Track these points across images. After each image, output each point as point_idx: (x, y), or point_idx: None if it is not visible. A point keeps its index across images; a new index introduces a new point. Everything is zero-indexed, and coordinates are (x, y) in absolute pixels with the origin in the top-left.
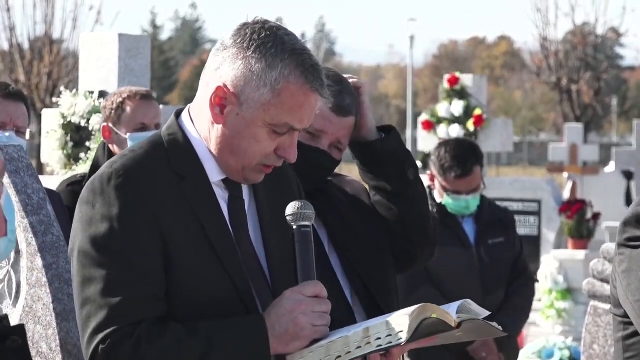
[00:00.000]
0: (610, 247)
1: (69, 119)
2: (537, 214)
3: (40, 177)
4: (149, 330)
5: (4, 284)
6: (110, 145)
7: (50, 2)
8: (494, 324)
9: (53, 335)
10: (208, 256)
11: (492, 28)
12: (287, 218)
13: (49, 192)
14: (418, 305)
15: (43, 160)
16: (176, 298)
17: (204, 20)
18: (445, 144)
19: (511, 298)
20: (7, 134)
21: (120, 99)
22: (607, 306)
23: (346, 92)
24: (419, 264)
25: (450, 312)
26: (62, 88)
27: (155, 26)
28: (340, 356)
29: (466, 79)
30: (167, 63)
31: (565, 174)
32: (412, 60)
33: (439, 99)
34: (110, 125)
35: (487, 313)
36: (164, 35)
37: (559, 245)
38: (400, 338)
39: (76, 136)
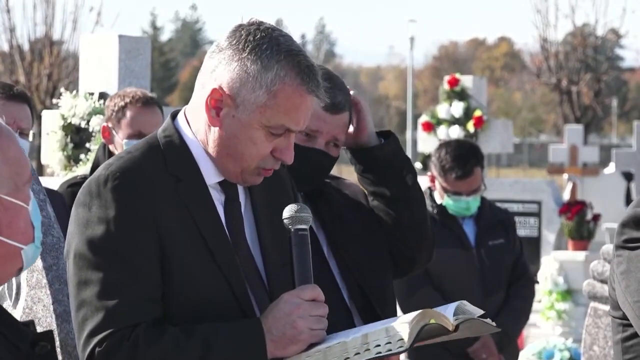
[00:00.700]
0: (610, 248)
1: (69, 120)
2: (537, 215)
3: (40, 179)
4: (146, 333)
5: (4, 285)
6: (110, 146)
7: (51, 4)
8: (488, 320)
9: None
10: (205, 259)
11: (492, 29)
12: (284, 221)
13: (52, 193)
14: (417, 312)
15: (43, 161)
16: (173, 300)
17: (204, 22)
18: (445, 145)
19: (511, 300)
20: None
21: (122, 103)
22: (607, 307)
23: (337, 89)
24: (417, 269)
25: (447, 314)
26: (62, 89)
27: (155, 27)
28: None
29: (466, 80)
30: (167, 64)
31: (565, 175)
32: (412, 62)
33: (439, 100)
34: (110, 126)
35: (481, 312)
36: (164, 36)
37: (559, 246)
38: (401, 346)
39: (76, 137)
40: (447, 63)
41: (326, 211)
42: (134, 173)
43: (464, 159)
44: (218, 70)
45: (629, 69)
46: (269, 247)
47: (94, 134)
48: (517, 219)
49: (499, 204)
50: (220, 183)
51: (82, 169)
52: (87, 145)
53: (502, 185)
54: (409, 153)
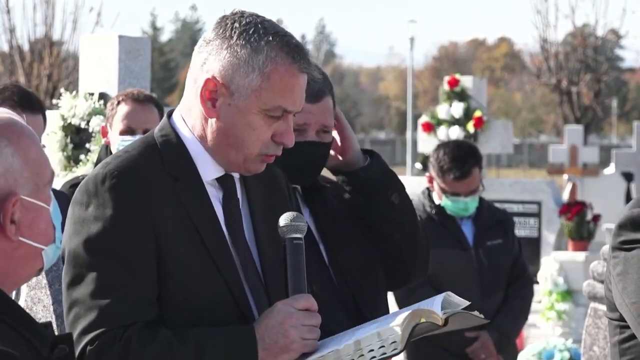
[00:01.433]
0: None
1: (69, 121)
2: (537, 215)
3: None
4: (138, 334)
5: None
6: (110, 146)
7: (50, 4)
8: (475, 312)
9: None
10: (202, 258)
11: (492, 30)
12: (279, 229)
13: (58, 193)
14: (407, 313)
15: None
16: (170, 300)
17: (204, 22)
18: (444, 145)
19: (510, 300)
20: None
21: (117, 101)
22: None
23: (310, 78)
24: (412, 282)
25: (435, 309)
26: (62, 90)
27: (155, 28)
28: None
29: (466, 81)
30: (167, 64)
31: (565, 176)
32: (412, 62)
33: (439, 100)
34: (107, 125)
35: (467, 303)
36: (164, 36)
37: (559, 246)
38: (395, 348)
39: (76, 138)
40: (447, 63)
41: (322, 213)
42: (131, 172)
43: (462, 160)
44: (208, 61)
45: (629, 69)
46: (265, 244)
47: (93, 134)
48: (517, 219)
49: (499, 205)
50: (218, 179)
51: (82, 169)
52: (87, 145)
53: (502, 185)
54: (409, 153)
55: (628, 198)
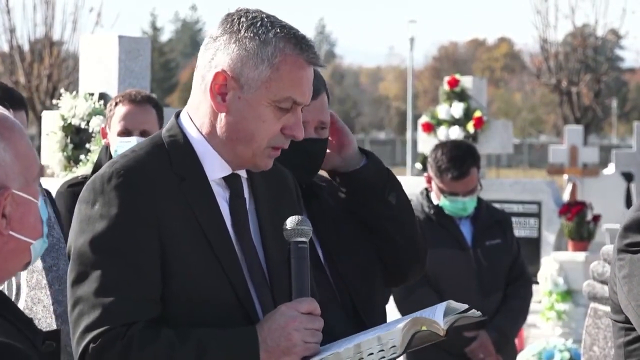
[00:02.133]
0: (610, 249)
1: (69, 121)
2: (537, 215)
3: (41, 179)
4: (141, 333)
5: (4, 285)
6: (109, 147)
7: (50, 4)
8: (472, 311)
9: None
10: (207, 258)
11: (492, 30)
12: (285, 232)
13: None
14: (408, 320)
15: (43, 162)
16: (175, 300)
17: (204, 22)
18: (442, 145)
19: (509, 300)
20: None
21: (114, 102)
22: (607, 308)
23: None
24: (410, 280)
25: (437, 318)
26: (62, 90)
27: (155, 28)
28: None
29: (466, 81)
30: (167, 65)
31: (565, 176)
32: (412, 62)
33: (439, 100)
34: (106, 126)
35: (465, 306)
36: (164, 37)
37: (559, 247)
38: (394, 353)
39: (76, 138)
40: (447, 64)
41: (319, 213)
42: (138, 171)
43: (460, 160)
44: (217, 56)
45: (629, 69)
46: (271, 244)
47: (93, 134)
48: (517, 219)
49: (499, 205)
50: (225, 179)
51: (82, 169)
52: (87, 145)
53: (502, 185)
54: (409, 153)
55: (628, 198)
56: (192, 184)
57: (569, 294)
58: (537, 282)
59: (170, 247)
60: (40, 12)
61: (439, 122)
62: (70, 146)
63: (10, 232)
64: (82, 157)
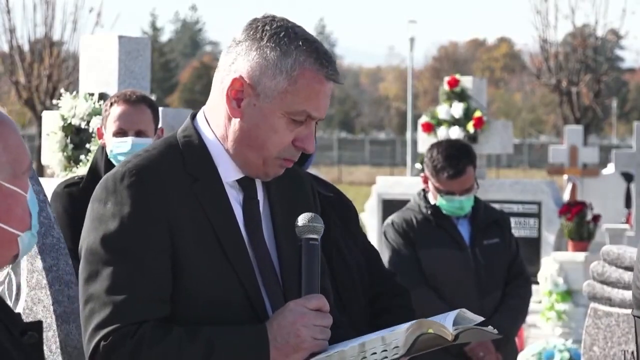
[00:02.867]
0: (610, 249)
1: (69, 121)
2: (537, 215)
3: (41, 179)
4: (151, 332)
5: (4, 285)
6: (105, 147)
7: (51, 4)
8: (489, 327)
9: (53, 337)
10: (218, 258)
11: (492, 30)
12: (297, 229)
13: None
14: (414, 321)
15: (43, 162)
16: (184, 298)
17: (204, 22)
18: (437, 144)
19: (508, 299)
20: None
21: (110, 102)
22: (607, 308)
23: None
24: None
25: (447, 324)
26: (62, 90)
27: (155, 28)
28: None
29: (466, 81)
30: (167, 65)
31: (565, 176)
32: (412, 62)
33: (439, 101)
34: (102, 127)
35: (481, 319)
36: (164, 37)
37: (559, 247)
38: (396, 353)
39: (76, 138)
40: (447, 64)
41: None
42: (150, 171)
43: (455, 158)
44: (237, 62)
45: (629, 69)
46: (284, 247)
47: (93, 134)
48: (517, 219)
49: (498, 205)
50: (239, 181)
51: (82, 169)
52: (87, 146)
53: (502, 185)
54: (409, 153)
55: (628, 198)
56: (205, 185)
57: (569, 294)
58: (537, 282)
59: (181, 247)
60: (40, 12)
61: (439, 122)
62: (71, 146)
63: None
64: (82, 157)
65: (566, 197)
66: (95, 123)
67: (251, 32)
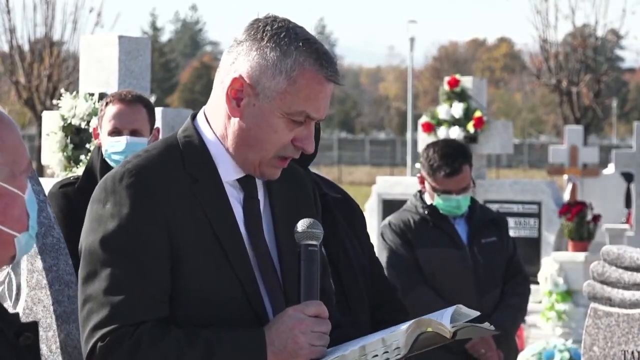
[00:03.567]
0: (610, 249)
1: (69, 121)
2: (537, 215)
3: (41, 179)
4: (149, 333)
5: (4, 286)
6: (101, 147)
7: (51, 4)
8: (486, 324)
9: (53, 337)
10: (217, 259)
11: (492, 30)
12: (296, 235)
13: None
14: (413, 321)
15: (43, 162)
16: (183, 299)
17: (204, 22)
18: (433, 144)
19: (507, 297)
20: None
21: (105, 102)
22: (607, 308)
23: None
24: None
25: (444, 321)
26: (62, 90)
27: (155, 28)
28: None
29: (466, 81)
30: (168, 65)
31: (565, 176)
32: (412, 62)
33: (439, 101)
34: (98, 126)
35: (477, 314)
36: (164, 37)
37: (559, 247)
38: (398, 354)
39: (76, 138)
40: (447, 64)
41: (329, 227)
42: (149, 171)
43: (451, 157)
44: (237, 61)
45: (629, 69)
46: (285, 246)
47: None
48: (517, 219)
49: (498, 205)
50: (239, 180)
51: (82, 170)
52: (87, 146)
53: (502, 186)
54: (409, 153)
55: (628, 198)
56: (205, 185)
57: (569, 294)
58: (537, 283)
59: (180, 248)
60: (40, 12)
61: (439, 122)
62: (70, 146)
63: None
64: (82, 157)
65: (566, 197)
66: (95, 123)
67: (252, 32)
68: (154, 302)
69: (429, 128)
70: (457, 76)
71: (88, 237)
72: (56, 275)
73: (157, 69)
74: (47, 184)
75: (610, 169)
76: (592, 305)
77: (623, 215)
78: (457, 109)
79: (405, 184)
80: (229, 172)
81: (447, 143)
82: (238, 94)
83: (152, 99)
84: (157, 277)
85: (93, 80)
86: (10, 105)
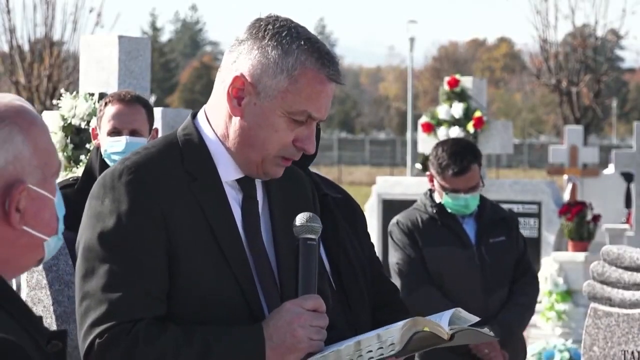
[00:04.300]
0: (609, 249)
1: (69, 121)
2: (537, 216)
3: None
4: (147, 330)
5: None
6: (100, 148)
7: (51, 5)
8: (485, 329)
9: None
10: (215, 257)
11: (492, 30)
12: (294, 229)
13: None
14: (409, 319)
15: None
16: (181, 297)
17: (204, 22)
18: (442, 143)
19: (515, 296)
20: None
21: (104, 102)
22: (607, 308)
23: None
24: None
25: (442, 323)
26: (62, 90)
27: (155, 28)
28: None
29: (466, 81)
30: (168, 65)
31: (565, 176)
32: (412, 62)
33: (439, 101)
34: (97, 127)
35: (477, 319)
36: (164, 37)
37: (559, 247)
38: (392, 350)
39: (76, 138)
40: (447, 64)
41: (330, 227)
42: (149, 169)
43: (460, 156)
44: (239, 60)
45: (629, 69)
46: (283, 248)
47: None
48: None
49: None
50: (238, 181)
51: (82, 170)
52: (87, 146)
53: (502, 186)
54: (409, 154)
55: (628, 198)
56: (204, 183)
57: (569, 294)
58: None
59: (178, 246)
60: (40, 12)
61: (439, 122)
62: (71, 146)
63: (24, 227)
64: (82, 157)
65: (566, 197)
66: (94, 123)
67: (254, 31)
68: (151, 300)
69: (429, 128)
70: (457, 76)
71: (86, 234)
72: (56, 275)
73: (157, 69)
74: None
75: (610, 169)
76: (592, 305)
77: (623, 215)
78: (457, 109)
79: (405, 184)
80: (228, 172)
81: (456, 141)
82: (239, 93)
83: (152, 99)
84: (155, 274)
85: (93, 81)
86: None
